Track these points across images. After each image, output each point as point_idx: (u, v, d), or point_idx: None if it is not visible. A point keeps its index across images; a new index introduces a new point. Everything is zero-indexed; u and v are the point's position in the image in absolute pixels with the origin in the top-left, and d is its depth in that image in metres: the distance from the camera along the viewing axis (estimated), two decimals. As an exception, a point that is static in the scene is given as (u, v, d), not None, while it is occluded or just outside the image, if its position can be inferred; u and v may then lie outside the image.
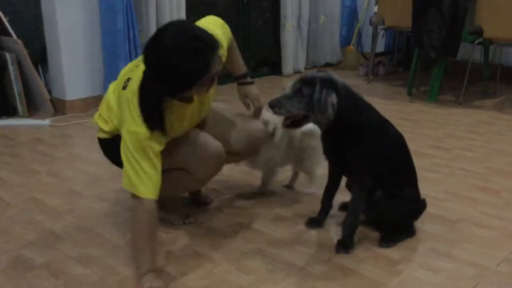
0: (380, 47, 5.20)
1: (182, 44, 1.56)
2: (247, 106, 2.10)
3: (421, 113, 3.81)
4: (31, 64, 3.54)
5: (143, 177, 1.66)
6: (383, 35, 5.02)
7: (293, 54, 5.06)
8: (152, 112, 1.65)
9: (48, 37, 3.65)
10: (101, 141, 1.95)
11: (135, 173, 1.67)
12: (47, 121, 3.46)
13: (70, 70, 3.62)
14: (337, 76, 1.78)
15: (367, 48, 5.39)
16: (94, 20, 3.65)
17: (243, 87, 2.09)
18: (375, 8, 4.67)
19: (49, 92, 3.71)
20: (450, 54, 3.85)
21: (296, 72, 5.10)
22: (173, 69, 1.56)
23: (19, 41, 3.48)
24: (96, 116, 1.94)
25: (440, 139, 3.21)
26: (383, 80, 4.92)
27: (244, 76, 2.09)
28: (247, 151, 2.10)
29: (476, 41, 3.89)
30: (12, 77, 3.48)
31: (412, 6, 3.93)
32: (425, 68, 4.31)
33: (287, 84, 1.78)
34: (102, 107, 1.91)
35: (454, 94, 4.23)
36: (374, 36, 4.75)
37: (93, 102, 3.74)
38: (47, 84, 3.78)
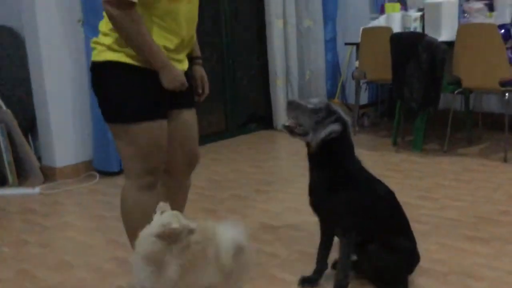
0: (364, 99, 5.32)
1: None
2: (200, 88, 2.19)
3: (407, 163, 3.87)
4: (20, 133, 3.59)
5: None
6: (365, 88, 5.14)
7: (284, 109, 5.17)
8: None
9: (37, 105, 3.71)
10: (95, 66, 1.92)
11: None
12: (37, 189, 3.46)
13: (59, 137, 3.67)
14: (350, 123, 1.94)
15: (351, 100, 5.51)
16: (83, 87, 3.73)
17: (199, 69, 2.19)
18: (356, 63, 4.81)
19: (39, 159, 3.74)
20: (431, 105, 3.95)
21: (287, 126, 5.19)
22: None
23: (8, 111, 3.54)
24: (93, 40, 1.96)
25: (427, 189, 3.25)
26: (369, 131, 5.00)
27: (200, 58, 2.22)
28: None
29: (456, 91, 4.00)
30: (2, 147, 3.52)
31: (391, 60, 4.07)
32: (409, 118, 4.41)
33: (313, 100, 1.93)
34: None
35: (438, 142, 4.31)
36: (357, 89, 4.88)
37: (83, 168, 3.77)
38: (36, 151, 3.82)
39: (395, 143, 4.39)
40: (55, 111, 3.63)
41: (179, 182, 2.18)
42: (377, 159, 3.97)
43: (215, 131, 4.85)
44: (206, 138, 4.66)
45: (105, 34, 1.86)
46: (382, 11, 4.90)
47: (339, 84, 5.58)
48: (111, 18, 1.77)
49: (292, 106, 1.90)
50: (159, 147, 1.94)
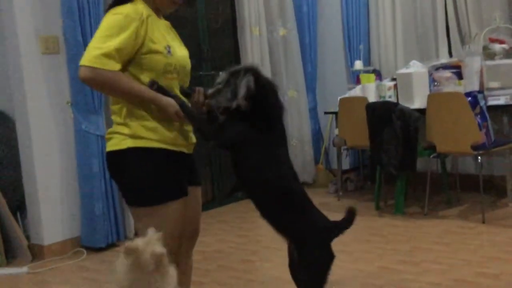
0: (346, 164, 5.47)
1: None
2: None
3: (390, 227, 3.96)
4: (9, 213, 3.66)
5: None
6: (346, 155, 5.30)
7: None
8: None
9: (26, 185, 3.80)
10: (115, 155, 1.96)
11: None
12: (25, 269, 3.49)
13: (47, 215, 3.73)
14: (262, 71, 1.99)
15: (334, 165, 5.65)
16: (71, 165, 3.84)
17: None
18: (336, 131, 5.00)
19: (28, 238, 3.79)
20: (408, 169, 4.11)
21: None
22: None
23: (-1, 193, 3.64)
24: (108, 131, 2.01)
25: (408, 253, 3.33)
26: (353, 195, 5.11)
27: None
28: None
29: (432, 156, 4.16)
30: (-9, 228, 3.58)
31: (367, 128, 4.25)
32: (390, 182, 4.54)
33: (219, 79, 1.97)
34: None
35: (419, 205, 4.42)
36: (339, 155, 5.04)
37: (70, 244, 3.82)
38: (25, 230, 3.87)
39: (377, 207, 4.49)
40: (43, 190, 3.72)
41: (182, 259, 2.14)
42: (360, 224, 3.98)
43: (202, 201, 4.92)
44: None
45: (123, 124, 1.95)
46: (358, 81, 5.15)
47: (322, 151, 5.75)
48: (89, 83, 1.88)
49: (212, 97, 1.95)
50: (182, 224, 2.00)
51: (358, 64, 5.28)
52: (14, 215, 3.79)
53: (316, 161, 5.75)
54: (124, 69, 1.91)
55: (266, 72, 5.21)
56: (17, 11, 3.59)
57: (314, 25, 5.58)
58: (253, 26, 5.08)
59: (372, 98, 4.65)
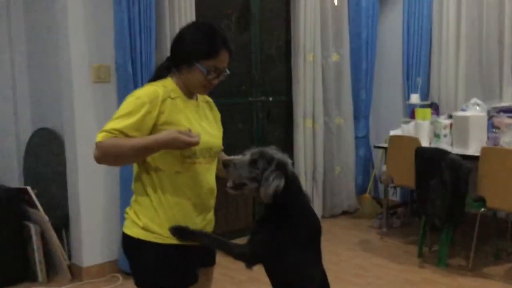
0: (394, 196, 5.31)
1: (196, 25, 1.99)
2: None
3: (428, 283, 3.78)
4: (53, 233, 3.80)
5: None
6: (393, 193, 5.14)
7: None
8: (158, 74, 2.00)
9: (71, 204, 3.93)
10: (126, 237, 1.98)
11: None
12: (61, 290, 3.64)
13: (88, 236, 3.85)
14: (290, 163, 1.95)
15: (383, 195, 5.48)
16: (114, 188, 3.94)
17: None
18: (384, 167, 4.84)
19: (70, 257, 3.93)
20: (454, 223, 3.91)
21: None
22: (180, 39, 1.93)
23: (43, 213, 3.77)
24: (126, 210, 2.04)
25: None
26: (398, 233, 4.93)
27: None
28: None
29: (481, 210, 3.93)
30: (35, 247, 3.74)
31: (415, 173, 4.08)
32: (436, 230, 4.32)
33: (247, 152, 1.95)
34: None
35: (465, 255, 4.20)
36: (386, 193, 4.88)
37: (109, 268, 3.93)
38: (69, 249, 4.01)
39: (420, 254, 4.31)
40: (86, 211, 3.84)
41: None
42: (398, 275, 3.87)
43: (242, 227, 4.93)
44: (232, 234, 4.75)
45: (135, 213, 1.98)
46: (413, 115, 4.94)
47: (371, 179, 5.59)
48: (99, 159, 1.88)
49: (230, 166, 1.91)
50: None
51: (415, 98, 5.07)
52: (60, 233, 3.94)
53: (363, 190, 5.61)
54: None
55: (318, 98, 5.13)
56: (72, 41, 3.69)
57: (372, 52, 5.41)
58: (308, 52, 4.99)
59: (425, 135, 4.46)
